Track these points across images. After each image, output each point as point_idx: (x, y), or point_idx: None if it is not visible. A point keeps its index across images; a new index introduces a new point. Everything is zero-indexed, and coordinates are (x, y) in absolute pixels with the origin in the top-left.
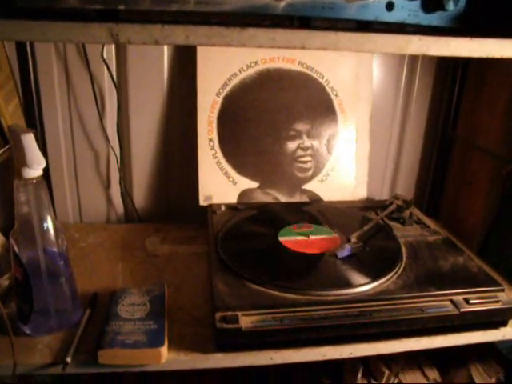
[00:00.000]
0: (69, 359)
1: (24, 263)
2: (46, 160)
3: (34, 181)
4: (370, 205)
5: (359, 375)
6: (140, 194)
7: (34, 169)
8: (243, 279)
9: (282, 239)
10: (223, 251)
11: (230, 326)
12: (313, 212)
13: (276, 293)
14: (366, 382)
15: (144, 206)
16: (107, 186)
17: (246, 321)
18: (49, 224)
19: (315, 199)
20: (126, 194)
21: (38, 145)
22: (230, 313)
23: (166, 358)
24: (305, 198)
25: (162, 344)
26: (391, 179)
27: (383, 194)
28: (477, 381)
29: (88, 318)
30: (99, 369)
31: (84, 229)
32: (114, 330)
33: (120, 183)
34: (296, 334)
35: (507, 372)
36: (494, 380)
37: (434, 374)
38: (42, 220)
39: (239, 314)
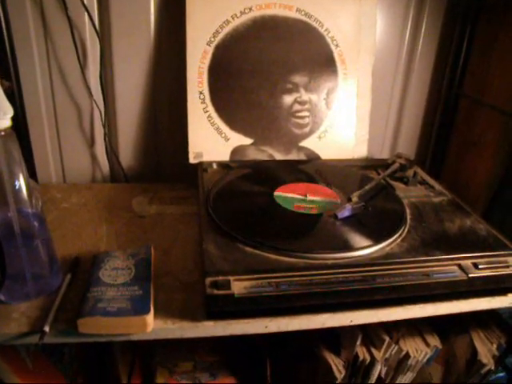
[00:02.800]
0: (47, 328)
1: None
2: (24, 117)
3: (3, 133)
4: (370, 164)
5: (358, 342)
6: (126, 152)
7: (0, 118)
8: (236, 241)
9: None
10: (214, 211)
11: (221, 291)
12: (310, 170)
13: (272, 256)
14: (364, 349)
15: (131, 165)
16: (91, 143)
17: (239, 286)
18: (21, 182)
19: (313, 157)
20: (112, 152)
21: (15, 100)
22: (221, 278)
23: (152, 326)
24: (302, 156)
25: (147, 311)
26: (392, 138)
27: (383, 154)
28: (478, 347)
29: (68, 283)
30: (80, 338)
31: (67, 189)
32: (96, 297)
33: (105, 140)
34: (293, 300)
35: (509, 338)
36: (495, 346)
37: (434, 341)
38: (13, 177)
39: (231, 278)
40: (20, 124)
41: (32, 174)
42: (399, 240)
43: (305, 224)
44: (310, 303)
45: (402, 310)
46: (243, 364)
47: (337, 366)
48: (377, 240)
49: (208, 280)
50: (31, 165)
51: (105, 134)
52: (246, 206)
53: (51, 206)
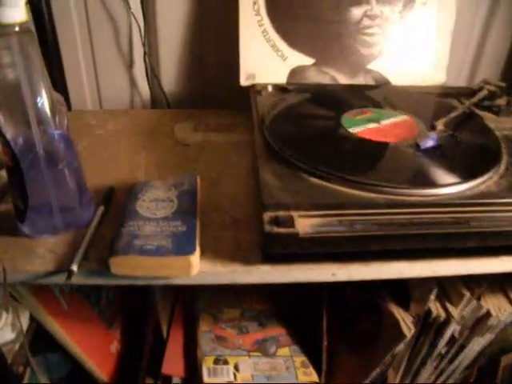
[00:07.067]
0: (74, 267)
1: (11, 143)
2: (55, 36)
3: (17, 28)
4: (450, 91)
5: (432, 297)
6: (169, 74)
7: (11, 5)
8: (299, 171)
9: (346, 124)
10: (272, 137)
11: (283, 230)
12: (378, 97)
13: (342, 189)
14: (438, 304)
15: (174, 89)
16: (130, 64)
17: (304, 224)
18: (43, 94)
19: (382, 82)
20: (152, 74)
21: (43, 16)
22: (282, 212)
23: (198, 269)
24: (370, 80)
25: (192, 251)
26: (471, 64)
27: (459, 82)
28: None
29: (101, 216)
30: (112, 280)
31: (102, 115)
32: (131, 233)
33: (144, 61)
34: (369, 243)
35: None
36: None
37: None
38: (34, 89)
39: (295, 214)
40: (50, 45)
41: (65, 100)
42: (496, 177)
43: (380, 154)
44: (388, 247)
45: (499, 262)
46: (296, 314)
47: (405, 321)
48: (470, 176)
49: (267, 215)
50: (64, 90)
51: (144, 54)
52: (309, 131)
53: (84, 132)
